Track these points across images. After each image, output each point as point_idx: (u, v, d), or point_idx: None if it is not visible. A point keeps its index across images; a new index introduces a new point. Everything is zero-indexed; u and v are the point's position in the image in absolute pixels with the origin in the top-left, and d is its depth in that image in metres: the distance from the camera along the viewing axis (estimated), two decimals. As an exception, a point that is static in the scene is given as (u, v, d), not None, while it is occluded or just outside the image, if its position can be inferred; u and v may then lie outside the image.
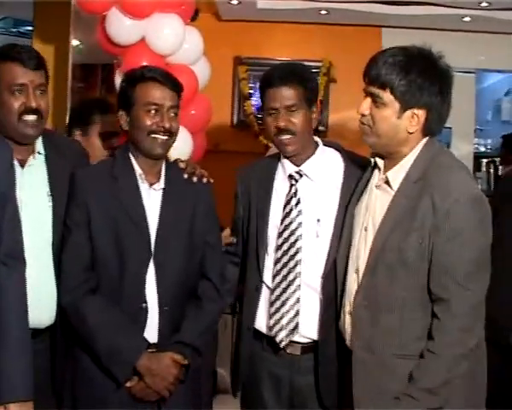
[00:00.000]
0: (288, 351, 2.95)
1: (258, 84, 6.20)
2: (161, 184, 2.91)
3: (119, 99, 2.96)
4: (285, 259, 2.94)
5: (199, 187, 3.00)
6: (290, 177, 2.98)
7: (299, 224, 2.94)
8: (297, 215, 2.95)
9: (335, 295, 2.81)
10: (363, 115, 2.60)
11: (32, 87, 2.78)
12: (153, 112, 2.84)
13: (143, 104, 2.85)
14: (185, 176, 2.98)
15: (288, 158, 2.98)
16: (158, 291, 2.85)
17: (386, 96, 2.54)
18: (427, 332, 2.51)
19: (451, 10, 5.89)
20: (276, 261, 2.96)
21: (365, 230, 2.66)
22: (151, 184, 2.89)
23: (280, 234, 2.96)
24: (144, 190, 2.88)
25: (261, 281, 3.00)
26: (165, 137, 2.86)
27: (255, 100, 6.32)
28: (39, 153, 2.89)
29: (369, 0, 5.99)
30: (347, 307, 2.70)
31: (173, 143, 2.94)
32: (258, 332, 3.02)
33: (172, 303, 2.87)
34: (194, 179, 2.99)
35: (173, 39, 4.28)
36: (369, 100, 2.57)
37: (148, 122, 2.83)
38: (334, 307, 2.83)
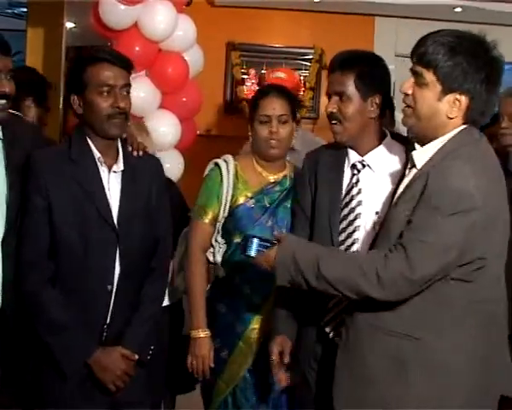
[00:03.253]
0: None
1: (250, 70, 6.21)
2: (120, 165, 2.87)
3: (69, 83, 2.91)
4: (342, 248, 2.82)
5: (151, 165, 3.01)
6: (353, 166, 2.87)
7: (358, 214, 2.82)
8: (356, 205, 2.83)
9: None
10: (406, 95, 2.46)
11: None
12: (106, 93, 2.78)
13: (96, 86, 2.78)
14: (135, 153, 2.96)
15: (351, 147, 2.88)
16: (120, 273, 2.82)
17: (429, 76, 2.40)
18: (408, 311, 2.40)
19: (443, 1, 5.84)
20: None
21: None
22: (110, 167, 2.85)
23: (338, 223, 2.85)
24: (104, 174, 2.84)
25: None
26: (121, 118, 2.81)
27: (247, 85, 6.21)
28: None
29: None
30: None
31: (127, 122, 2.91)
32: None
33: (129, 283, 2.86)
34: (140, 153, 2.98)
35: (165, 26, 4.27)
36: (412, 79, 2.45)
37: (104, 104, 2.78)
38: None
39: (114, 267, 2.81)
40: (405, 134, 2.99)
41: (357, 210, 2.82)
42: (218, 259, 3.23)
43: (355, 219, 2.83)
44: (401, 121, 2.54)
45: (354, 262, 2.46)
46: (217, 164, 3.25)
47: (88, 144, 2.84)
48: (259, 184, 3.21)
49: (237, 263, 3.16)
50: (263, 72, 6.25)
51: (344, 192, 2.86)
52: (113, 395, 2.86)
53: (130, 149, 2.96)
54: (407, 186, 2.48)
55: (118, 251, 2.82)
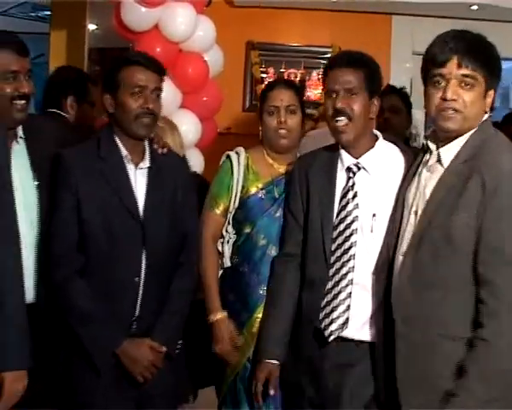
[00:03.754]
0: (336, 346, 2.86)
1: (269, 69, 6.25)
2: (146, 163, 2.96)
3: (104, 83, 2.99)
4: (338, 252, 2.83)
5: (176, 163, 3.10)
6: (348, 169, 2.89)
7: (355, 217, 2.83)
8: (353, 209, 2.84)
9: (386, 294, 2.71)
10: (453, 100, 2.45)
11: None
12: (137, 94, 2.87)
13: (128, 86, 2.87)
14: (159, 151, 3.04)
15: (345, 149, 2.90)
16: (146, 266, 2.89)
17: (478, 75, 2.44)
18: (472, 315, 2.40)
19: (460, -1, 5.86)
20: (330, 254, 2.86)
21: (415, 213, 2.58)
22: (137, 164, 2.93)
23: (335, 227, 2.86)
24: (131, 171, 2.92)
25: (327, 273, 2.86)
26: (149, 119, 2.89)
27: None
28: (21, 137, 2.90)
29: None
30: (394, 291, 2.62)
31: (156, 123, 2.99)
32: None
33: (157, 276, 2.92)
34: (164, 151, 3.05)
35: (186, 27, 4.31)
36: (454, 82, 2.45)
37: (134, 105, 2.86)
38: (384, 308, 2.72)
39: (141, 260, 2.88)
40: (422, 131, 3.03)
41: (354, 213, 2.84)
42: (227, 249, 3.26)
43: (352, 222, 2.84)
44: (443, 127, 2.50)
45: None
46: (228, 156, 3.30)
47: (116, 143, 2.93)
48: (270, 176, 3.24)
49: (247, 253, 3.21)
50: (281, 70, 6.31)
51: (339, 196, 2.88)
52: (141, 386, 2.91)
53: (155, 147, 3.03)
54: (442, 187, 2.48)
55: (144, 244, 2.89)
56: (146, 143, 2.99)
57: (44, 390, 2.91)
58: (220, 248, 3.28)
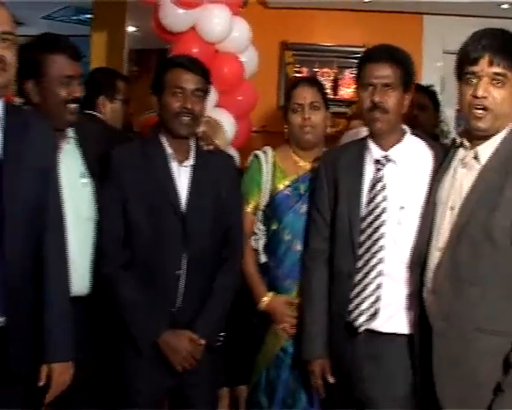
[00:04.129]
0: (366, 339, 2.90)
1: (303, 68, 6.31)
2: (190, 160, 3.04)
3: (152, 85, 3.09)
4: (367, 244, 2.88)
5: (221, 160, 3.18)
6: (377, 162, 2.94)
7: (384, 209, 2.89)
8: (382, 201, 2.89)
9: (419, 285, 2.74)
10: (483, 98, 2.50)
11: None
12: (179, 95, 2.97)
13: (170, 88, 2.98)
14: (205, 148, 3.12)
15: (375, 142, 2.96)
16: (188, 259, 2.97)
17: (511, 74, 2.49)
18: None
19: (490, -2, 5.84)
20: (359, 246, 2.90)
21: (451, 209, 2.61)
22: (181, 162, 3.02)
23: (363, 218, 2.91)
24: (174, 168, 3.01)
25: (355, 266, 2.91)
26: (189, 118, 2.98)
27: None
28: (71, 137, 3.00)
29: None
30: (429, 285, 2.65)
31: (198, 124, 3.07)
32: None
33: (199, 270, 3.00)
34: (210, 148, 3.14)
35: (221, 28, 4.35)
36: (486, 80, 2.50)
37: (174, 104, 2.97)
38: (416, 297, 2.77)
39: (182, 254, 2.96)
40: (453, 129, 3.08)
41: (383, 205, 2.87)
42: (260, 245, 3.36)
43: (381, 213, 2.87)
44: (474, 126, 2.55)
45: None
46: (256, 155, 3.39)
47: (161, 142, 3.03)
48: (296, 173, 3.32)
49: (273, 249, 3.30)
50: (315, 70, 6.37)
51: (368, 188, 2.91)
52: (180, 376, 3.00)
53: (201, 144, 3.12)
54: (481, 184, 2.51)
55: (185, 239, 2.97)
56: (192, 141, 3.08)
57: (97, 376, 3.04)
58: (254, 245, 3.36)
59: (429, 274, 2.65)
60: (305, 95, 3.29)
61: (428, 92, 4.55)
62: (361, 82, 2.95)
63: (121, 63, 5.53)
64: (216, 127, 3.73)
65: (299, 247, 3.23)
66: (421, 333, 2.72)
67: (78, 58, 2.99)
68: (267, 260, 3.35)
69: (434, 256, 2.63)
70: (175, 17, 4.30)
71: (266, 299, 3.28)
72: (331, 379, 3.01)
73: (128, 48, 5.71)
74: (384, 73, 2.88)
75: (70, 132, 3.02)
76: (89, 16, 7.40)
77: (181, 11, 4.27)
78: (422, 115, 4.36)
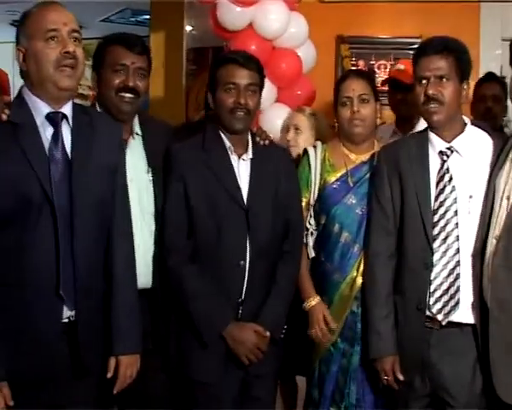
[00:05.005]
0: (444, 332, 2.88)
1: (359, 61, 6.27)
2: (249, 154, 3.06)
3: (208, 83, 3.13)
4: (442, 235, 2.85)
5: (279, 153, 3.19)
6: (441, 153, 2.92)
7: (454, 200, 2.87)
8: (451, 191, 2.87)
9: (479, 273, 2.75)
10: None
11: (132, 68, 2.96)
12: (232, 91, 2.98)
13: (223, 84, 3.00)
14: (261, 143, 3.13)
15: (437, 134, 2.94)
16: (251, 251, 2.99)
17: None
18: None
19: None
20: (434, 239, 2.88)
21: (507, 199, 2.62)
22: (240, 155, 3.04)
23: (435, 211, 2.88)
24: (234, 161, 3.04)
25: (431, 258, 2.88)
26: (242, 113, 2.99)
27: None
28: (137, 134, 3.06)
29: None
30: (487, 273, 2.66)
31: (252, 119, 3.08)
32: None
33: (261, 262, 3.02)
34: (266, 142, 3.15)
35: (279, 24, 4.37)
36: None
37: (227, 100, 2.99)
38: (477, 286, 2.77)
39: (246, 245, 2.99)
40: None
41: (453, 195, 2.85)
42: (310, 240, 3.32)
43: (452, 204, 2.85)
44: None
45: None
46: (306, 150, 3.37)
47: (220, 135, 3.05)
48: (345, 166, 3.28)
49: (322, 242, 3.28)
50: (371, 63, 6.34)
51: (435, 180, 2.88)
52: (245, 367, 3.02)
53: (257, 139, 3.14)
54: None
55: (248, 231, 2.99)
56: (249, 135, 3.10)
57: (160, 366, 3.07)
58: (305, 240, 3.33)
59: (487, 262, 2.66)
60: (354, 87, 3.25)
61: (501, 82, 4.47)
62: (415, 76, 2.93)
63: (180, 62, 5.58)
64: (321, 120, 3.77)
65: (347, 239, 3.22)
66: (482, 322, 2.73)
67: (138, 51, 3.01)
68: (317, 254, 3.33)
69: (491, 244, 2.65)
70: (232, 15, 4.33)
71: (312, 302, 3.26)
72: (401, 376, 2.99)
73: (186, 47, 5.75)
74: (436, 65, 2.85)
75: (136, 127, 3.08)
76: (146, 17, 7.50)
77: (238, 9, 4.31)
78: (496, 107, 4.32)
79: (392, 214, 3.01)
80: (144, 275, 2.96)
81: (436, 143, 2.93)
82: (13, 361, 2.44)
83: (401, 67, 5.02)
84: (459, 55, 2.90)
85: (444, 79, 2.86)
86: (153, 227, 3.05)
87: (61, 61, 2.50)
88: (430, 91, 2.85)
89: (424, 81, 2.88)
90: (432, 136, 2.94)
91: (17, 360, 2.46)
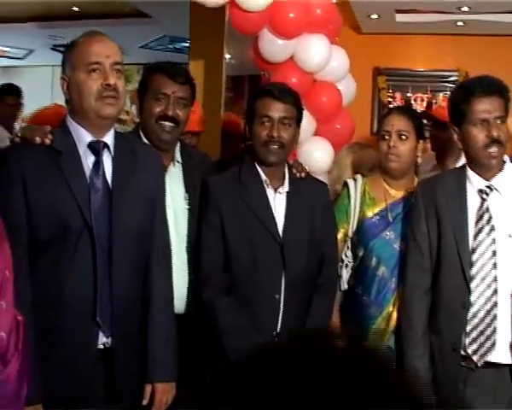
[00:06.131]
0: (480, 372, 2.83)
1: (396, 93, 6.25)
2: (285, 187, 3.04)
3: (246, 114, 3.13)
4: (480, 276, 2.81)
5: (317, 188, 3.16)
6: (480, 191, 2.88)
7: (493, 240, 2.82)
8: (490, 231, 2.83)
9: None
10: None
11: (173, 98, 2.97)
12: (266, 123, 2.96)
13: (258, 116, 2.99)
14: (297, 175, 3.11)
15: (476, 172, 2.89)
16: (285, 284, 2.97)
17: None
18: None
19: None
20: (471, 278, 2.83)
21: None
22: (276, 189, 3.02)
23: (473, 250, 2.84)
24: (270, 195, 3.02)
25: (469, 298, 2.83)
26: (276, 146, 2.97)
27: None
28: (178, 161, 3.07)
29: (505, 11, 5.85)
30: None
31: (286, 152, 3.05)
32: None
33: (296, 295, 3.00)
34: (302, 175, 3.13)
35: (320, 58, 4.34)
36: None
37: (261, 133, 2.97)
38: None
39: (281, 279, 2.96)
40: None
41: (492, 235, 2.80)
42: (344, 273, 3.31)
43: (491, 244, 2.80)
44: None
45: None
46: (346, 183, 3.37)
47: (256, 169, 3.04)
48: (385, 201, 3.26)
49: (359, 275, 3.26)
50: (408, 95, 6.33)
51: (474, 218, 2.84)
52: None
53: (294, 171, 3.12)
54: None
55: (283, 264, 2.97)
56: (286, 168, 3.09)
57: (191, 397, 2.99)
58: (339, 271, 3.32)
59: None
60: (394, 123, 3.24)
61: None
62: (469, 117, 2.85)
63: (219, 90, 5.58)
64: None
65: (384, 274, 3.19)
66: None
67: (180, 80, 3.03)
68: (354, 287, 3.31)
69: None
70: (274, 47, 4.31)
71: None
72: None
73: (226, 75, 5.77)
74: (494, 106, 2.82)
75: (177, 155, 3.09)
76: (184, 45, 7.55)
77: (280, 41, 4.29)
78: None
79: (428, 251, 2.96)
80: (179, 300, 2.95)
81: (475, 181, 2.89)
82: (48, 384, 2.44)
83: (443, 104, 4.99)
84: (507, 95, 2.88)
85: (499, 121, 2.83)
86: (187, 254, 3.05)
87: (103, 93, 2.52)
88: (495, 134, 2.80)
89: (483, 123, 2.82)
90: (470, 173, 2.90)
91: (52, 383, 2.46)
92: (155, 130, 3.00)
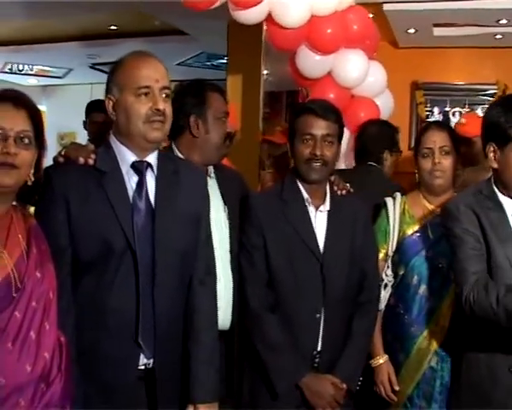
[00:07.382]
0: None
1: (434, 108, 6.19)
2: (326, 206, 3.03)
3: (288, 132, 3.11)
4: None
5: (357, 206, 3.13)
6: None
7: None
8: None
9: None
10: None
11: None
12: (309, 141, 2.95)
13: (301, 134, 2.98)
14: (338, 192, 3.10)
15: (508, 194, 2.75)
16: (326, 303, 2.95)
17: None
18: None
19: None
20: None
21: None
22: (317, 207, 3.01)
23: None
24: (311, 213, 3.00)
25: None
26: (319, 164, 2.95)
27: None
28: (210, 176, 3.06)
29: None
30: None
31: (329, 169, 3.03)
32: None
33: (336, 314, 2.98)
34: (343, 192, 3.12)
35: (358, 73, 4.35)
36: None
37: (304, 151, 2.96)
38: None
39: (321, 298, 2.95)
40: None
41: None
42: (383, 292, 3.25)
43: None
44: None
45: None
46: (384, 202, 3.33)
47: (298, 187, 3.03)
48: (425, 218, 3.22)
49: (400, 294, 3.21)
50: (446, 109, 6.25)
51: None
52: None
53: (335, 189, 3.11)
54: None
55: (323, 283, 2.95)
56: (327, 186, 3.07)
57: None
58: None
59: None
60: (435, 139, 3.20)
61: None
62: (507, 135, 2.69)
63: (257, 106, 5.59)
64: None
65: (426, 292, 3.15)
66: None
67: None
68: (395, 305, 3.25)
69: None
70: (312, 63, 4.33)
71: (380, 360, 3.21)
72: None
73: (263, 90, 5.78)
74: None
75: (210, 168, 3.09)
76: (221, 61, 7.58)
77: (318, 57, 4.29)
78: None
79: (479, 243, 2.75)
80: (224, 316, 2.94)
81: (507, 206, 2.76)
82: (88, 404, 2.42)
83: (463, 120, 4.92)
84: None
85: None
86: (231, 269, 3.03)
87: (151, 117, 2.49)
88: None
89: None
90: (502, 198, 2.77)
91: (92, 403, 2.43)
92: (220, 148, 3.06)
